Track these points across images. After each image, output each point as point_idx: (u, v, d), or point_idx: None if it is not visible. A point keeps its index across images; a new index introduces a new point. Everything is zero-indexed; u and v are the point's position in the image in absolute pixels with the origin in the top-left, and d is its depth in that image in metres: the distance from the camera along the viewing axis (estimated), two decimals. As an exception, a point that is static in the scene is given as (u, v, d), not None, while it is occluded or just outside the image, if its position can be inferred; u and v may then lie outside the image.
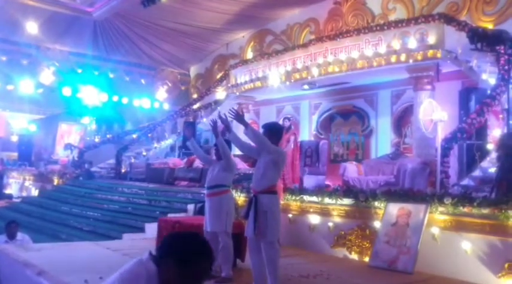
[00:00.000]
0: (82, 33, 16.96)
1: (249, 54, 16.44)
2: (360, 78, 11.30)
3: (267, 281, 4.49)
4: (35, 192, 14.88)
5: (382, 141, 11.95)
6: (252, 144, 4.91)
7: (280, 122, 9.13)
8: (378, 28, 10.47)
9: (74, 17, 16.08)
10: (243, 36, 17.15)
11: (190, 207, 8.70)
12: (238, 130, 5.02)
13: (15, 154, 20.85)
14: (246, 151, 5.14)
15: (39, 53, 17.89)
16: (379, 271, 5.79)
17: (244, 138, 4.87)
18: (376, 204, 6.34)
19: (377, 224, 6.24)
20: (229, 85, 14.93)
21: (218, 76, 16.67)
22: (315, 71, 11.43)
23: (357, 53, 10.60)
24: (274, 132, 4.78)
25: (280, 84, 12.38)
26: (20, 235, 7.16)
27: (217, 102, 15.45)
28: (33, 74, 18.45)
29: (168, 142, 16.98)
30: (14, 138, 23.55)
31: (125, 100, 19.67)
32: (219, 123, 5.18)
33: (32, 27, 15.83)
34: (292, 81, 12.11)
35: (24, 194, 15.29)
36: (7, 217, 10.72)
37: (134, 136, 16.68)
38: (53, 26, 16.27)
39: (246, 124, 4.64)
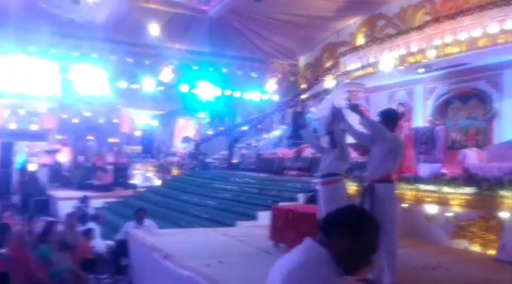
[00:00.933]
0: (198, 32, 17.88)
1: (360, 41, 16.01)
2: (482, 58, 10.40)
3: (384, 272, 4.36)
4: (157, 182, 16.04)
5: (508, 125, 10.86)
6: (365, 131, 4.79)
7: (395, 108, 8.76)
8: (505, 2, 9.51)
9: (192, 16, 17.05)
10: (353, 22, 16.78)
11: (300, 196, 8.74)
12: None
13: (138, 148, 22.68)
14: (359, 139, 5.03)
15: (160, 53, 19.22)
16: (505, 265, 5.32)
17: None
18: (503, 193, 5.82)
19: (503, 214, 5.73)
20: (338, 73, 14.66)
21: (327, 65, 16.48)
22: (431, 53, 10.75)
23: (479, 31, 9.76)
24: (390, 118, 4.64)
25: (393, 69, 11.87)
26: (147, 221, 7.75)
27: (326, 91, 15.28)
28: (155, 73, 19.91)
29: (277, 133, 17.21)
30: (137, 133, 25.62)
31: (236, 94, 20.41)
32: (329, 112, 5.12)
33: (154, 29, 17.03)
34: (406, 65, 11.55)
35: (147, 184, 16.55)
36: (134, 205, 11.70)
37: (244, 128, 17.16)
38: (173, 26, 17.37)
39: (361, 114, 4.56)
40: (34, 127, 24.64)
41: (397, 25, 14.63)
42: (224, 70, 20.93)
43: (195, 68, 20.42)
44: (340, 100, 13.80)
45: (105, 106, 23.49)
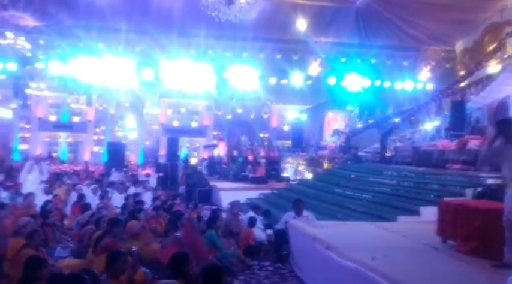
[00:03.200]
0: (345, 23, 17.67)
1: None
2: None
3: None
4: (308, 175, 16.24)
5: None
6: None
7: None
8: None
9: (337, 8, 16.92)
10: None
11: (468, 191, 8.02)
12: None
13: (288, 142, 23.24)
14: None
15: (307, 48, 19.42)
16: None
17: None
18: None
19: None
20: (505, 56, 13.21)
21: (490, 48, 14.94)
22: None
23: None
24: None
25: None
26: (305, 212, 7.86)
27: (489, 77, 13.89)
28: (302, 68, 20.20)
29: (434, 124, 16.13)
30: (286, 128, 26.31)
31: (386, 85, 19.68)
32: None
33: (301, 24, 17.29)
34: None
35: (298, 177, 16.85)
36: (287, 197, 12.01)
37: (397, 120, 16.45)
38: (319, 20, 17.44)
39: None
40: (194, 124, 26.91)
41: None
42: (373, 60, 20.38)
43: (343, 60, 20.22)
44: (507, 87, 12.41)
45: (256, 102, 24.60)
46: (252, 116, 26.22)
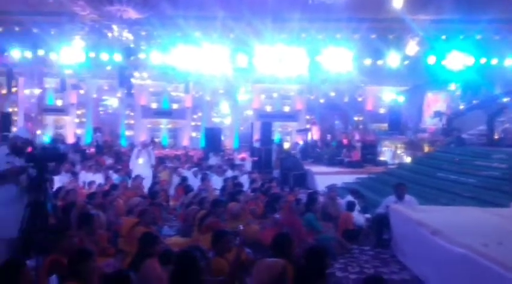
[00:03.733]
0: (443, -2, 16.58)
1: None
2: None
3: None
4: (406, 159, 15.62)
5: None
6: None
7: None
8: None
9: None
10: None
11: None
12: None
13: (384, 125, 22.48)
14: None
15: (404, 26, 18.52)
16: None
17: None
18: None
19: None
20: None
21: None
22: None
23: None
24: None
25: None
26: (407, 197, 7.59)
27: None
28: (399, 47, 19.32)
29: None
30: (382, 110, 25.44)
31: (494, 62, 18.19)
32: None
33: (397, 1, 16.50)
34: None
35: (396, 161, 16.27)
36: (386, 181, 11.68)
37: (505, 100, 15.15)
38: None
39: None
40: (286, 108, 27.03)
41: None
42: (478, 36, 18.87)
43: (443, 37, 18.99)
44: None
45: (349, 85, 24.05)
46: (345, 99, 25.69)
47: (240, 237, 5.32)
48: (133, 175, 11.29)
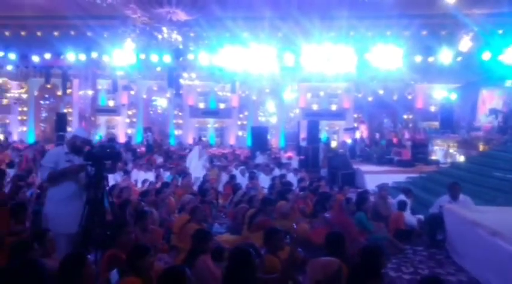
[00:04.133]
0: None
1: None
2: None
3: None
4: (459, 158, 15.09)
5: None
6: None
7: None
8: None
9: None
10: None
11: None
12: None
13: (435, 123, 21.80)
14: None
15: (457, 22, 17.90)
16: None
17: None
18: None
19: None
20: None
21: None
22: None
23: None
24: None
25: None
26: (462, 197, 7.35)
27: None
28: (452, 43, 18.67)
29: None
30: (433, 108, 24.68)
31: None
32: None
33: (449, -4, 16.01)
34: None
35: (449, 160, 15.74)
36: (438, 181, 11.34)
37: None
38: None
39: None
40: (333, 107, 26.74)
41: None
42: (538, 30, 17.97)
43: (500, 31, 18.17)
44: None
45: (398, 83, 23.49)
46: (394, 97, 25.11)
47: (292, 235, 5.32)
48: (197, 175, 11.61)
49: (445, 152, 16.75)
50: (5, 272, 3.07)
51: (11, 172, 10.98)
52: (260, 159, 16.69)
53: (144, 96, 27.30)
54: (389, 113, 25.17)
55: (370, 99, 25.57)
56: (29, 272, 3.01)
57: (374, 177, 12.77)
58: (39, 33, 21.96)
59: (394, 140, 18.27)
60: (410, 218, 8.11)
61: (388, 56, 18.81)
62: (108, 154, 5.28)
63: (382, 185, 9.28)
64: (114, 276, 3.76)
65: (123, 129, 27.32)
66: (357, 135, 21.94)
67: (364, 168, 14.73)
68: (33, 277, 3.00)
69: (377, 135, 22.27)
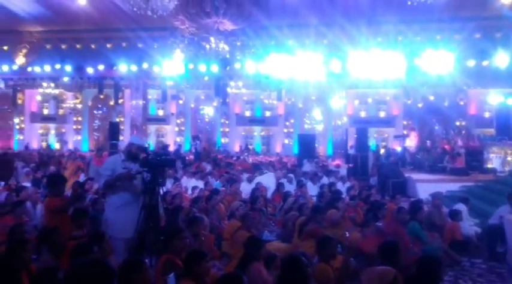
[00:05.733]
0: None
1: None
2: None
3: None
4: (518, 166, 14.43)
5: None
6: None
7: None
8: None
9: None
10: None
11: None
12: None
13: (490, 130, 20.91)
14: None
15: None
16: None
17: None
18: None
19: None
20: None
21: None
22: None
23: None
24: None
25: None
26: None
27: None
28: (507, 46, 17.90)
29: None
30: (487, 114, 23.71)
31: None
32: None
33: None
34: None
35: (506, 168, 15.05)
36: (496, 190, 10.89)
37: None
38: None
39: None
40: (382, 114, 26.23)
41: None
42: None
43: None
44: None
45: (450, 88, 22.75)
46: (445, 103, 24.31)
47: (344, 244, 5.25)
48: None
49: (502, 160, 16.03)
50: (75, 271, 3.18)
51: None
52: (307, 167, 16.59)
53: (192, 105, 27.82)
54: (441, 120, 24.39)
55: (420, 105, 24.89)
56: (99, 271, 3.10)
57: (426, 186, 12.39)
58: (93, 46, 22.90)
59: (447, 147, 17.65)
60: (467, 228, 7.80)
61: (438, 61, 18.27)
62: (163, 162, 5.42)
63: (436, 194, 8.98)
64: (172, 280, 3.84)
65: (172, 137, 27.91)
66: (407, 142, 21.40)
67: (416, 176, 14.33)
68: (103, 276, 3.09)
69: (428, 143, 21.62)
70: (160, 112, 28.13)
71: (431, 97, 24.21)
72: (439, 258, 4.50)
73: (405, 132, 23.63)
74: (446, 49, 18.22)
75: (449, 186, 12.48)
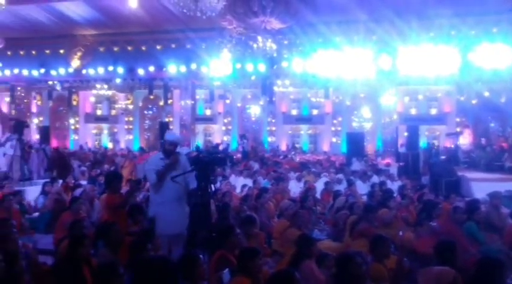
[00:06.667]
0: None
1: None
2: None
3: None
4: None
5: None
6: None
7: None
8: None
9: None
10: None
11: None
12: None
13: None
14: None
15: None
16: None
17: None
18: None
19: None
20: None
21: None
22: None
23: None
24: None
25: None
26: None
27: None
28: None
29: None
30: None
31: None
32: None
33: None
34: None
35: None
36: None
37: None
38: None
39: None
40: (433, 111, 25.45)
41: None
42: None
43: None
44: None
45: (507, 83, 21.73)
46: (502, 99, 23.24)
47: (398, 244, 5.14)
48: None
49: None
50: (143, 267, 3.33)
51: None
52: (357, 165, 16.34)
53: (239, 104, 28.03)
54: (497, 117, 23.36)
55: (474, 102, 23.93)
56: (165, 267, 3.24)
57: (482, 185, 11.96)
58: (143, 48, 23.49)
59: (504, 145, 16.96)
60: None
61: (495, 55, 17.48)
62: (215, 160, 5.51)
63: (494, 193, 8.60)
64: (226, 276, 3.90)
65: (220, 136, 28.24)
66: (460, 140, 20.66)
67: (470, 175, 13.83)
68: (169, 271, 3.23)
69: (483, 140, 20.80)
70: (208, 112, 28.56)
71: (487, 93, 23.20)
72: (501, 260, 4.31)
73: (458, 129, 22.81)
74: (504, 42, 17.40)
75: (508, 185, 11.92)
